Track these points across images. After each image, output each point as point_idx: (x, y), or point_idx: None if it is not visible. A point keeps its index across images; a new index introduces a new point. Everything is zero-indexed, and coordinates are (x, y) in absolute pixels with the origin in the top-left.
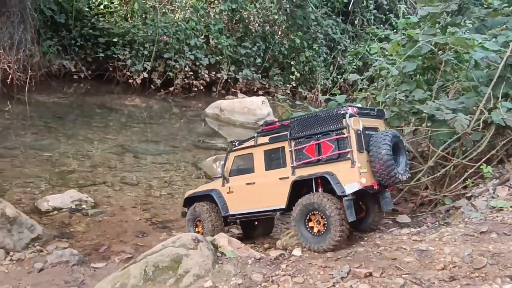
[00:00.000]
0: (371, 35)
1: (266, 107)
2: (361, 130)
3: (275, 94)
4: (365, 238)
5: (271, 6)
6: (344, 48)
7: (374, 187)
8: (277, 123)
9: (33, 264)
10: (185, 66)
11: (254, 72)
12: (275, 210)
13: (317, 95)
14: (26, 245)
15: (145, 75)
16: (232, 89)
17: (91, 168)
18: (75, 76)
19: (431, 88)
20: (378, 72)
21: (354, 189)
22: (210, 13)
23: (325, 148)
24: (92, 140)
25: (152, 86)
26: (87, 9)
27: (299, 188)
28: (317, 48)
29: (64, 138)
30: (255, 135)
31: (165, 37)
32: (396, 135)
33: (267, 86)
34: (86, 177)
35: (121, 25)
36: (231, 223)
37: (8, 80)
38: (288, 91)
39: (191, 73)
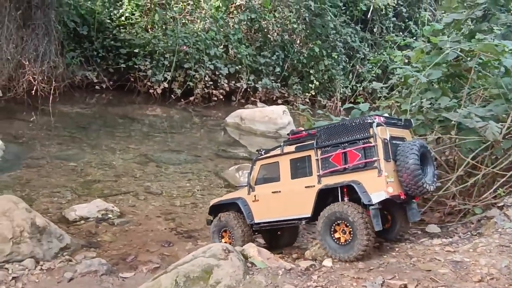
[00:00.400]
0: (390, 42)
1: (287, 116)
2: (388, 139)
3: (294, 103)
4: (396, 249)
5: (290, 15)
6: (363, 56)
7: (401, 197)
8: (304, 132)
9: (62, 273)
10: (205, 76)
11: (273, 81)
12: (300, 219)
13: (336, 103)
14: (55, 254)
15: (166, 85)
16: (252, 98)
17: (116, 178)
18: (97, 87)
19: (456, 96)
20: (402, 79)
21: (380, 198)
22: (229, 23)
23: (351, 156)
24: (115, 150)
25: (172, 96)
26: (108, 21)
27: (325, 197)
28: (336, 57)
29: (89, 148)
30: (281, 144)
31: (185, 47)
32: (424, 145)
33: (286, 95)
34: (111, 186)
35: (142, 36)
36: (256, 232)
37: (33, 91)
38: (307, 100)
39: (211, 82)
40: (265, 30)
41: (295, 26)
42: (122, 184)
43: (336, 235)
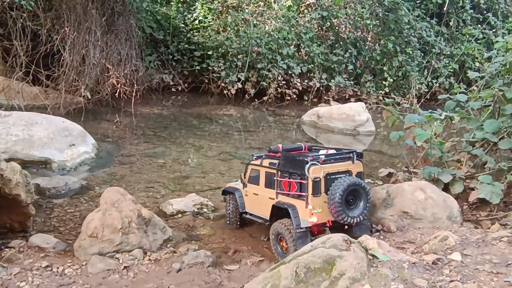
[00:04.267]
0: (468, 36)
1: (365, 113)
2: (320, 177)
3: (367, 101)
4: None
5: (363, 12)
6: (439, 51)
7: (327, 225)
8: (278, 152)
9: (170, 264)
10: (278, 76)
11: (346, 79)
12: (265, 220)
13: (411, 101)
14: (160, 246)
15: (239, 85)
16: (325, 97)
17: (203, 174)
18: (173, 89)
19: None
20: (507, 66)
21: (305, 225)
22: (300, 22)
23: (292, 186)
24: (198, 147)
25: (246, 96)
26: (183, 25)
27: (279, 209)
28: (410, 52)
29: (173, 146)
30: (263, 156)
31: (256, 48)
32: (356, 183)
33: (359, 93)
34: (201, 182)
35: (215, 38)
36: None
37: (117, 94)
38: (381, 98)
39: (284, 82)
40: (337, 27)
41: (367, 22)
42: (211, 180)
43: (282, 243)
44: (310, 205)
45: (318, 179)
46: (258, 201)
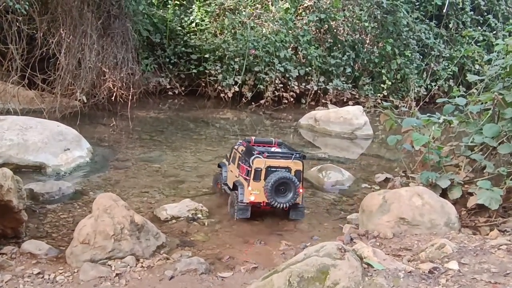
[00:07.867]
0: (467, 38)
1: (363, 117)
2: (261, 168)
3: (365, 104)
4: None
5: (361, 14)
6: (438, 54)
7: (261, 204)
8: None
9: (163, 271)
10: (275, 79)
11: (344, 82)
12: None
13: (410, 104)
14: (153, 252)
15: (236, 89)
16: (322, 100)
17: (199, 179)
18: (170, 93)
19: None
20: (507, 69)
21: (245, 201)
22: (298, 24)
23: (243, 170)
24: (194, 151)
25: (243, 99)
26: (179, 28)
27: (235, 186)
28: (409, 55)
29: (169, 150)
30: (239, 142)
31: (253, 51)
32: (286, 177)
33: (357, 96)
34: (196, 187)
35: (212, 41)
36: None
37: (113, 98)
38: (379, 101)
39: (281, 85)
40: (335, 30)
41: (366, 24)
42: (207, 184)
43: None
44: (250, 187)
45: (259, 169)
46: (231, 177)
